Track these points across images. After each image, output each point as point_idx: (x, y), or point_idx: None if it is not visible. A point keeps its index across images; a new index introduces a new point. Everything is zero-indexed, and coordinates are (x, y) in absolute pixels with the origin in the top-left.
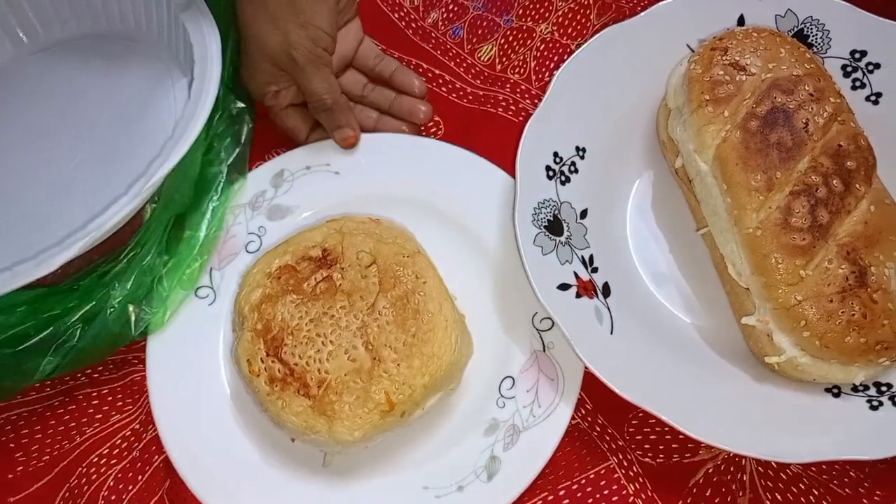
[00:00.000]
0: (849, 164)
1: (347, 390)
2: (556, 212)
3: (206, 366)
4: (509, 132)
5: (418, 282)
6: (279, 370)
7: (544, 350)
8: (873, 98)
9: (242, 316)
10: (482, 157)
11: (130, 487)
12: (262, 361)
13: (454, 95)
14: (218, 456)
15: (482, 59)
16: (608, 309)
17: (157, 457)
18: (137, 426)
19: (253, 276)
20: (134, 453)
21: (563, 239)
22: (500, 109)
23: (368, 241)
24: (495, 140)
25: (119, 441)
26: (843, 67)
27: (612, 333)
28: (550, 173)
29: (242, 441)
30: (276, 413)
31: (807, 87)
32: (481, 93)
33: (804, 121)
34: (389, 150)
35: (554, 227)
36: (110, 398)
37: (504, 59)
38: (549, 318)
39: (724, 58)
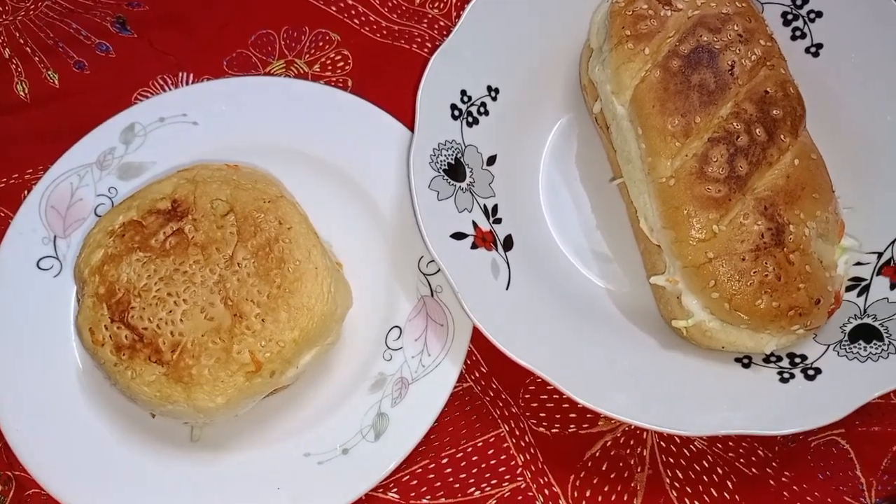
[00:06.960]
0: (775, 112)
1: (206, 352)
2: (459, 155)
3: (51, 342)
4: (422, 71)
5: (282, 228)
6: (126, 337)
7: (432, 295)
8: (813, 49)
9: (83, 281)
10: (356, 96)
11: None
12: (107, 329)
13: (367, 29)
14: (65, 439)
15: None
16: (507, 263)
17: None
18: None
19: (93, 237)
20: None
21: (464, 185)
22: (415, 46)
23: (224, 189)
24: (406, 78)
25: None
26: (784, 15)
27: (507, 289)
28: (456, 113)
29: (92, 421)
30: (126, 384)
31: (735, 27)
32: (396, 27)
33: (730, 63)
34: (252, 96)
35: (455, 171)
36: None
37: None
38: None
39: None
